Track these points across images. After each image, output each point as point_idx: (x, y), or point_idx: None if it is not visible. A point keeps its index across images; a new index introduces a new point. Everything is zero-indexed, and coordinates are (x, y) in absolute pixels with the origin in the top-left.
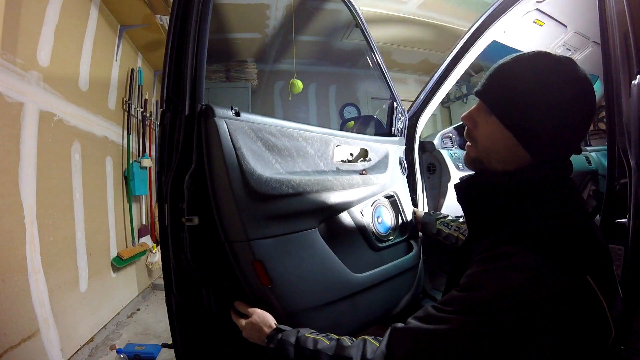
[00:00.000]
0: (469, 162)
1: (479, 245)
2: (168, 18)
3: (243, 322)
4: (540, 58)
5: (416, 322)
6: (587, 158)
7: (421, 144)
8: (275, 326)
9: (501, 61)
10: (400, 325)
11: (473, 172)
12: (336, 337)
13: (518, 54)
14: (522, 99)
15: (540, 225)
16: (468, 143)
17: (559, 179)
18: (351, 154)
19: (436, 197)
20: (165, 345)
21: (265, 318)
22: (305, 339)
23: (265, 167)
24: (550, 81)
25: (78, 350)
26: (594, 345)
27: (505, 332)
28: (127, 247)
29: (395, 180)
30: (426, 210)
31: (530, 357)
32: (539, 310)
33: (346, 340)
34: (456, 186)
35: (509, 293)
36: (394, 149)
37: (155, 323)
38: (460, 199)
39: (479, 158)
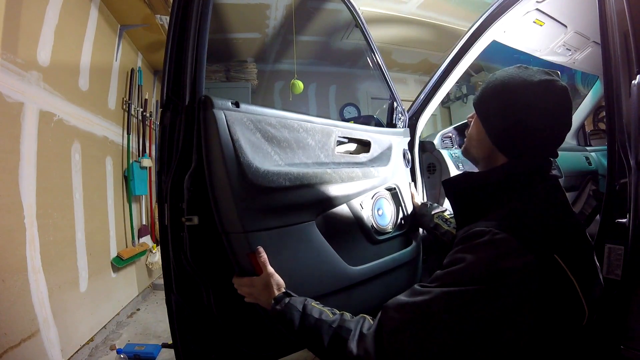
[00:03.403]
0: (463, 151)
1: (461, 231)
2: (168, 18)
3: (252, 279)
4: (517, 69)
5: (403, 297)
6: (587, 158)
7: (421, 144)
8: (284, 290)
9: (492, 74)
10: (389, 302)
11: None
12: (339, 312)
13: (504, 69)
14: (496, 104)
15: (511, 211)
16: (465, 139)
17: (533, 176)
18: (354, 146)
19: (436, 197)
20: (165, 345)
21: (278, 279)
22: (311, 308)
23: (263, 159)
24: (521, 90)
25: (78, 350)
26: (567, 323)
27: (478, 302)
28: (127, 247)
29: (397, 173)
30: (423, 200)
31: (504, 329)
32: (509, 282)
33: (348, 315)
34: (444, 182)
35: (480, 265)
36: (398, 140)
37: (155, 323)
38: (448, 194)
39: (470, 150)
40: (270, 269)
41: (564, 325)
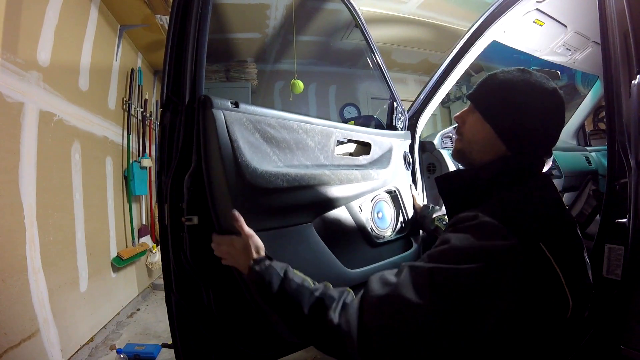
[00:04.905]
0: (454, 153)
1: (450, 221)
2: (168, 18)
3: (233, 238)
4: (520, 72)
5: (388, 273)
6: (587, 158)
7: (421, 143)
8: (266, 254)
9: (490, 72)
10: (375, 276)
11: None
12: (322, 283)
13: (505, 69)
14: (501, 100)
15: (499, 200)
16: (457, 137)
17: (528, 172)
18: (353, 147)
19: (436, 197)
20: (165, 345)
21: (257, 242)
22: (293, 274)
23: (262, 159)
24: (525, 90)
25: (78, 350)
26: (550, 312)
27: (461, 280)
28: (127, 247)
29: (397, 176)
30: (425, 202)
31: (486, 309)
32: (492, 262)
33: (331, 286)
34: (437, 179)
35: (465, 245)
36: (399, 143)
37: (155, 323)
38: (440, 191)
39: (463, 149)
40: (249, 230)
41: (547, 314)
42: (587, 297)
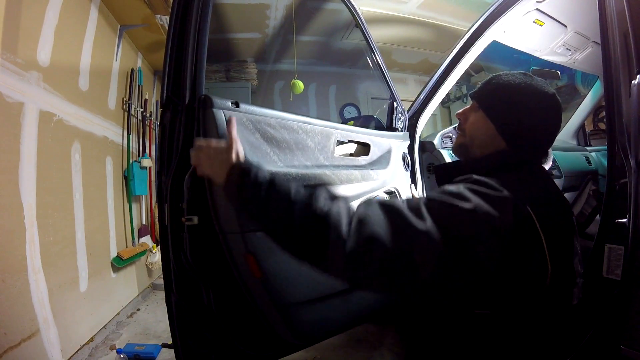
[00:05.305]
0: (456, 147)
1: None
2: (168, 18)
3: (212, 140)
4: (523, 75)
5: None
6: (587, 158)
7: (421, 143)
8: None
9: (495, 74)
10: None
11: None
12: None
13: (508, 72)
14: (505, 100)
15: (495, 177)
16: (458, 133)
17: (523, 165)
18: (353, 149)
19: None
20: (165, 345)
21: (241, 149)
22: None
23: (262, 159)
24: (528, 92)
25: (78, 350)
26: (530, 274)
27: (452, 213)
28: (127, 247)
29: (396, 176)
30: None
31: (474, 243)
32: (485, 207)
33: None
34: (436, 168)
35: (461, 190)
36: (398, 144)
37: (155, 323)
38: (438, 180)
39: (465, 143)
40: (235, 136)
41: (526, 274)
42: (571, 281)
